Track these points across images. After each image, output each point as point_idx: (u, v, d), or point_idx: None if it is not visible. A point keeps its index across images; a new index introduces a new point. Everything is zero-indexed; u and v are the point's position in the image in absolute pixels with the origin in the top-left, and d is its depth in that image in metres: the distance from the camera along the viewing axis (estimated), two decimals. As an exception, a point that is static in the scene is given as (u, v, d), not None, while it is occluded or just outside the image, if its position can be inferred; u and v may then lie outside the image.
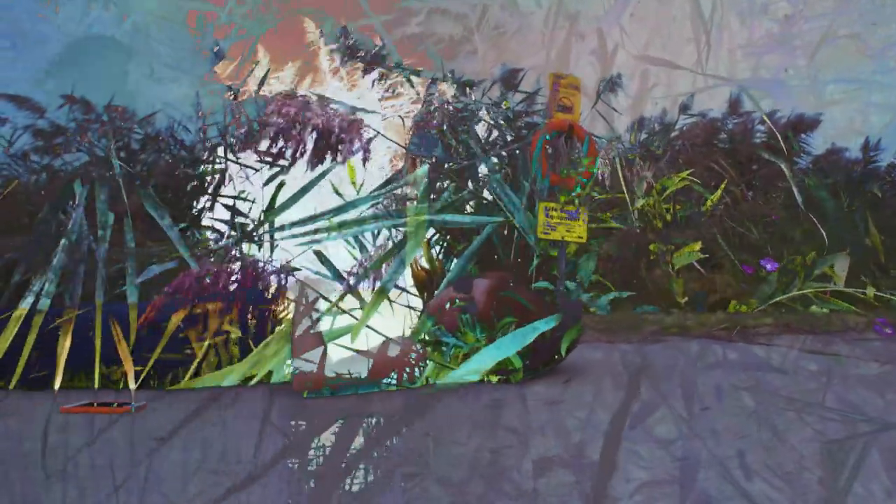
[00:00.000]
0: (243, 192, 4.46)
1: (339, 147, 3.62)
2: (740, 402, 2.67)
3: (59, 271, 3.36)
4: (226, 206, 4.39)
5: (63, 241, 3.49)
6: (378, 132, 4.10)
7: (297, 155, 3.66)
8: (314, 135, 3.59)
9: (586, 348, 3.52)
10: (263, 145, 3.78)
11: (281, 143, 3.60)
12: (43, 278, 3.33)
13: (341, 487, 1.91)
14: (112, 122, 4.11)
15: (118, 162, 3.76)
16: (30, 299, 3.25)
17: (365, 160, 3.72)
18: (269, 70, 5.49)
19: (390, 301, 3.74)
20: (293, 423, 2.66)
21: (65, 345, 3.20)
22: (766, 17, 10.94)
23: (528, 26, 11.29)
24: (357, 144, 3.62)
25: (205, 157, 4.39)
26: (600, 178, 3.88)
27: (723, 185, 4.33)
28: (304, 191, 4.05)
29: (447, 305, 3.40)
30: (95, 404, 2.83)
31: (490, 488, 1.86)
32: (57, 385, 3.09)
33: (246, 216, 4.38)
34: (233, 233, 4.21)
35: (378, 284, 3.53)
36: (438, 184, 4.25)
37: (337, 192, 4.30)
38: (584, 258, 3.29)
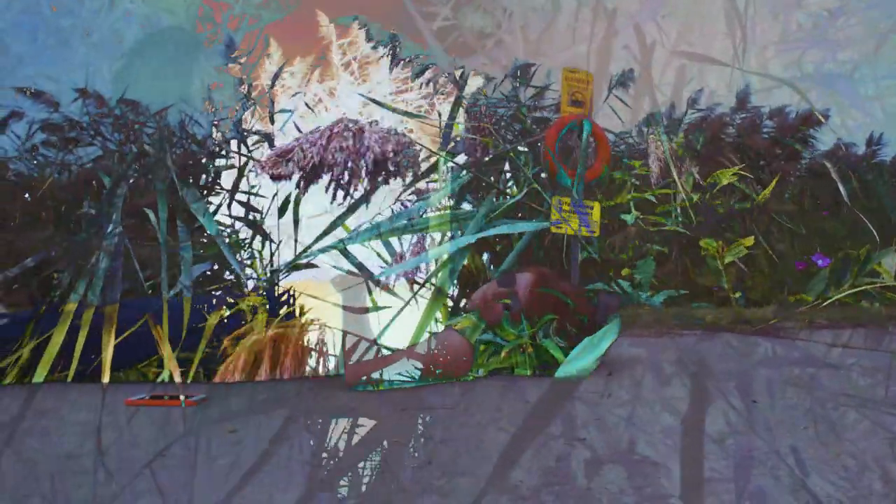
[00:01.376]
0: (255, 186, 4.46)
1: (392, 167, 3.64)
2: (796, 398, 2.61)
3: (105, 270, 3.41)
4: (240, 202, 4.41)
5: (106, 240, 3.54)
6: (422, 146, 4.10)
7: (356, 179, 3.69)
8: (371, 161, 3.60)
9: (632, 343, 3.46)
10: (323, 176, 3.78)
11: (341, 173, 3.62)
12: (88, 277, 3.38)
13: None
14: (125, 116, 4.12)
15: (172, 165, 3.80)
16: (76, 296, 3.31)
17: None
18: (283, 65, 5.50)
19: (414, 295, 3.76)
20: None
21: (109, 341, 3.25)
22: (799, 10, 10.73)
23: (562, 21, 11.23)
24: (407, 162, 3.64)
25: (219, 152, 4.39)
26: (651, 178, 3.82)
27: (776, 179, 4.24)
28: (334, 224, 4.08)
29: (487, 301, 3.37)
30: (152, 397, 2.86)
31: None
32: (106, 379, 3.14)
33: (259, 212, 4.39)
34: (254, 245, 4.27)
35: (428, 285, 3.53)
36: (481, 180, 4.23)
37: (346, 229, 4.31)
38: (643, 262, 3.25)
